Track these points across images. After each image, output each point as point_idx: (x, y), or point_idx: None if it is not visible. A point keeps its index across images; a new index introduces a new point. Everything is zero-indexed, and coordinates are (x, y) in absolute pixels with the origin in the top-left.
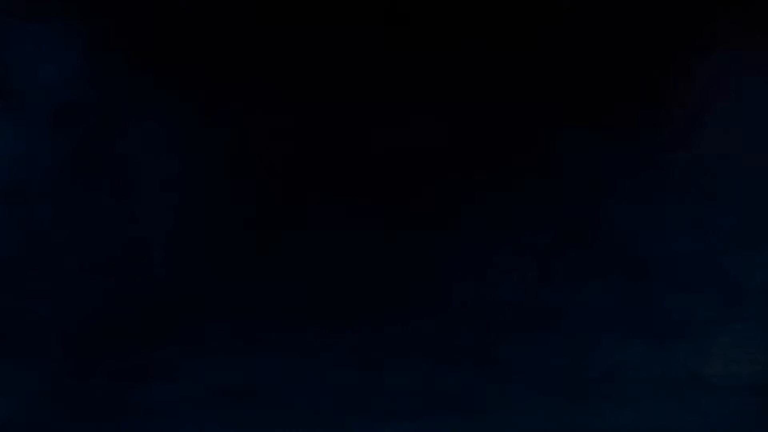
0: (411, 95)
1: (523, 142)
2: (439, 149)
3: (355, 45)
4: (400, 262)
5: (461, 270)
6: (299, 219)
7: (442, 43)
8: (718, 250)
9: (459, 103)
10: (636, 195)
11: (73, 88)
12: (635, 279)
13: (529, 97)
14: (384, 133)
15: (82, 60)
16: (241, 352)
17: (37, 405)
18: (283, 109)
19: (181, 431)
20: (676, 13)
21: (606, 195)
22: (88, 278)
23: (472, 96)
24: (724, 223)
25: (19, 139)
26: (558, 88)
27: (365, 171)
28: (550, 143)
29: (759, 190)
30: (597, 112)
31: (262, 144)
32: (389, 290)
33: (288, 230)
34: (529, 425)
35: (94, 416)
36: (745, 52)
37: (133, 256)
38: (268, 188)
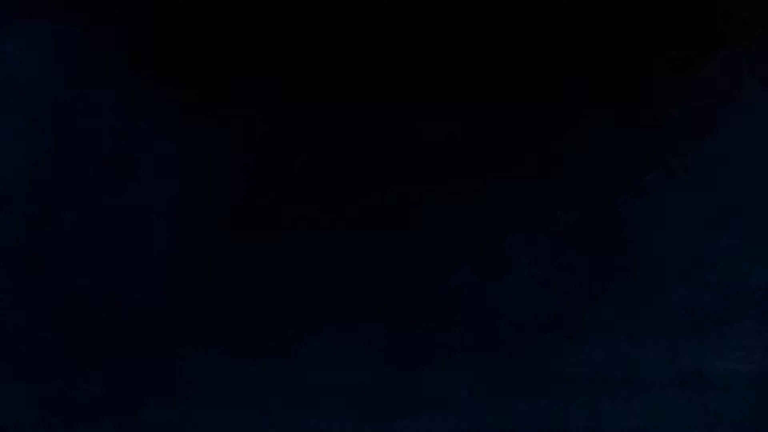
0: (414, 95)
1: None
2: (446, 150)
3: (358, 44)
4: (403, 262)
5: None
6: (299, 220)
7: (447, 43)
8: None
9: (467, 102)
10: (641, 192)
11: (72, 88)
12: (639, 275)
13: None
14: (385, 135)
15: (81, 60)
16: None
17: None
18: (284, 109)
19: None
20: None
21: (608, 194)
22: (92, 280)
23: (479, 96)
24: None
25: (17, 139)
26: (565, 85)
27: (369, 170)
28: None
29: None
30: (600, 112)
31: (261, 145)
32: (392, 289)
33: (287, 231)
34: (530, 424)
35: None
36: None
37: (135, 257)
38: (269, 190)
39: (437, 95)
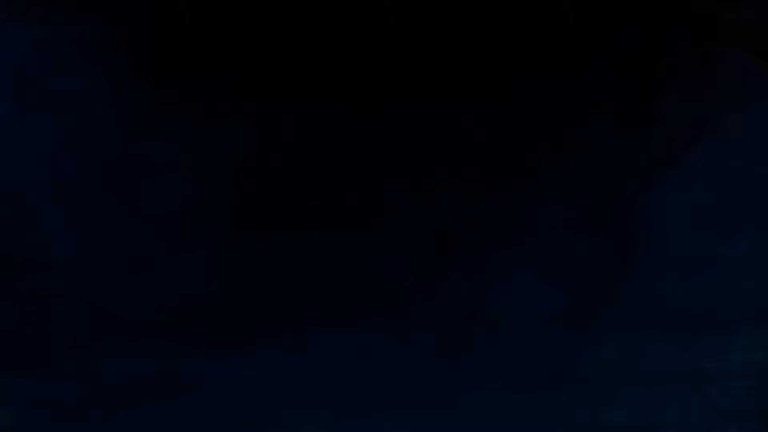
0: (415, 96)
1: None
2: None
3: (359, 45)
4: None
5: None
6: (298, 221)
7: (449, 42)
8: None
9: (468, 103)
10: (642, 192)
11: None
12: (640, 275)
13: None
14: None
15: (81, 60)
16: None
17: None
18: (285, 110)
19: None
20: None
21: (608, 194)
22: (82, 282)
23: (479, 95)
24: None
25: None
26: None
27: (367, 171)
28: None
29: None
30: (603, 112)
31: (260, 148)
32: (394, 290)
33: (285, 232)
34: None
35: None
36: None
37: (141, 261)
38: (265, 190)
39: (437, 95)
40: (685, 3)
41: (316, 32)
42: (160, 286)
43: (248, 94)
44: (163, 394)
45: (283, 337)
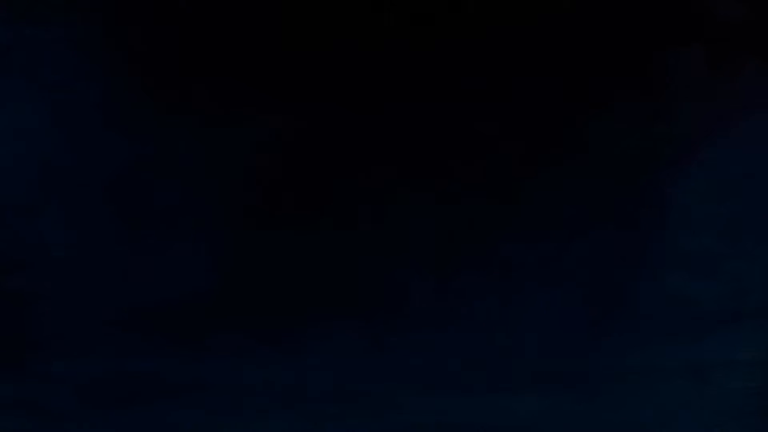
0: (417, 96)
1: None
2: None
3: (364, 47)
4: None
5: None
6: (297, 221)
7: (454, 41)
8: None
9: (471, 102)
10: (646, 190)
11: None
12: (643, 273)
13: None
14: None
15: (82, 65)
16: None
17: None
18: (283, 110)
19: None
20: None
21: (617, 190)
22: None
23: (483, 95)
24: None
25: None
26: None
27: (368, 172)
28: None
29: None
30: (608, 110)
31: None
32: (395, 291)
33: (284, 233)
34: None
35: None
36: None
37: (139, 261)
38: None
39: (438, 95)
40: (685, 3)
41: (317, 32)
42: (158, 286)
43: (248, 93)
44: (161, 395)
45: (283, 337)
